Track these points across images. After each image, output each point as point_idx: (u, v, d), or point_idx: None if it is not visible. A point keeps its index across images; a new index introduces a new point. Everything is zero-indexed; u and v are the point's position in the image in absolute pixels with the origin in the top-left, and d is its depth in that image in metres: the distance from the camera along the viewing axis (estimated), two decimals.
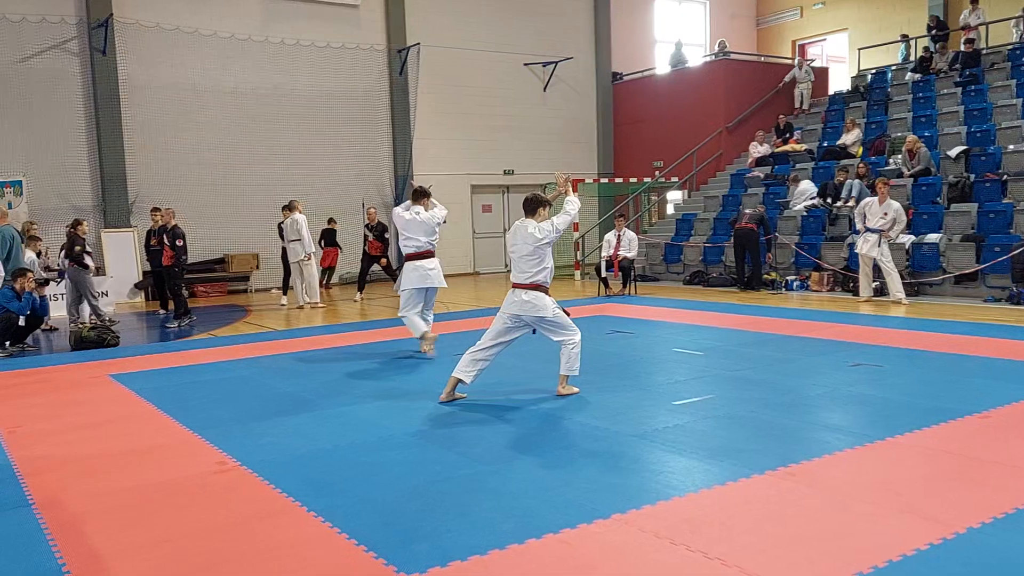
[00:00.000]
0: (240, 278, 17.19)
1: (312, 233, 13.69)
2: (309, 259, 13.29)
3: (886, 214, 11.47)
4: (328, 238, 16.70)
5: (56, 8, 15.34)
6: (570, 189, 6.29)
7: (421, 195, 8.38)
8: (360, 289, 14.75)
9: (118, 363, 8.52)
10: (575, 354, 6.13)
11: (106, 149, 15.78)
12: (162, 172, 16.31)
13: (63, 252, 11.64)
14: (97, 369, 8.20)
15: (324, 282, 16.84)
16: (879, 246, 11.48)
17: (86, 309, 11.74)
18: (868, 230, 11.61)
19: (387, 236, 15.04)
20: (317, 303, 13.43)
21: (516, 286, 6.08)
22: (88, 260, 11.49)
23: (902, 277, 11.68)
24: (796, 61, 20.17)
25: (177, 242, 11.68)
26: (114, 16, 15.51)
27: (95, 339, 9.72)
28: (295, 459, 4.80)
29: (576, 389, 6.27)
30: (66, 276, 11.52)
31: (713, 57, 20.66)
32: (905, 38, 20.84)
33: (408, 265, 8.27)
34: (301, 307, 13.30)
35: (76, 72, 15.65)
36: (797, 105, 19.82)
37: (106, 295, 13.75)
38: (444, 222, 8.47)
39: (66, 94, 15.56)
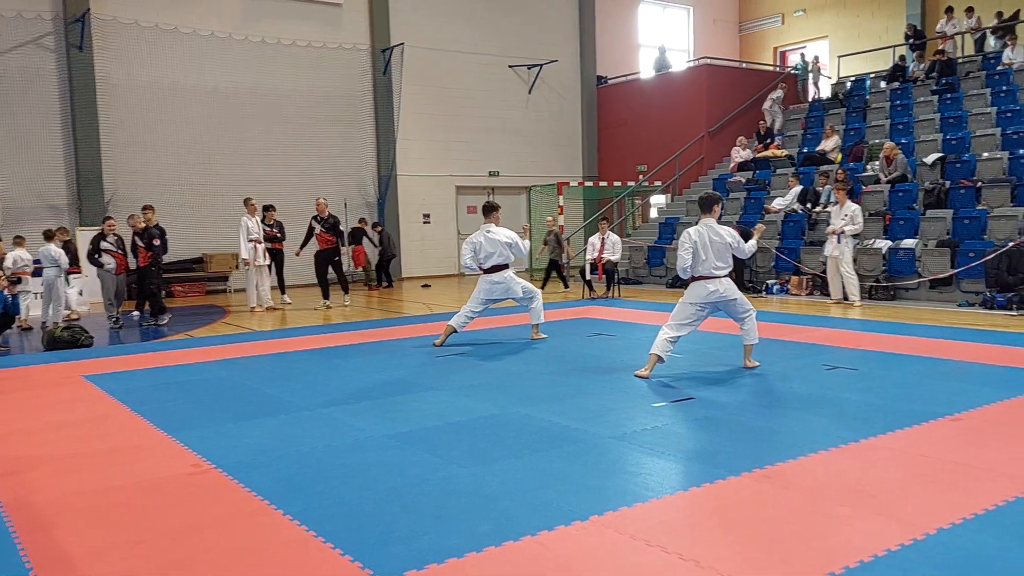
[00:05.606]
0: (219, 278, 17.07)
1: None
2: (247, 265, 13.01)
3: (846, 215, 11.90)
4: (356, 237, 17.31)
5: (32, 3, 15.18)
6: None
7: (489, 210, 9.15)
8: (325, 296, 13.41)
9: (92, 363, 8.43)
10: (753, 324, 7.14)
11: (82, 147, 15.63)
12: (139, 170, 16.20)
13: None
14: (71, 370, 8.10)
15: (368, 282, 17.39)
16: (840, 248, 11.94)
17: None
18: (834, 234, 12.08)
19: (340, 229, 13.91)
20: (257, 307, 13.03)
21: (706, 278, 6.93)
22: (104, 259, 11.84)
23: (878, 281, 11.94)
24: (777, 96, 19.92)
25: (154, 242, 11.65)
26: (91, 12, 15.38)
27: (69, 339, 9.60)
28: (271, 461, 4.76)
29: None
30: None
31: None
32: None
33: (483, 278, 9.22)
34: (252, 309, 13.03)
35: (52, 69, 15.50)
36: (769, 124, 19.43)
37: (80, 294, 13.61)
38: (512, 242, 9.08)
39: (41, 91, 15.40)
